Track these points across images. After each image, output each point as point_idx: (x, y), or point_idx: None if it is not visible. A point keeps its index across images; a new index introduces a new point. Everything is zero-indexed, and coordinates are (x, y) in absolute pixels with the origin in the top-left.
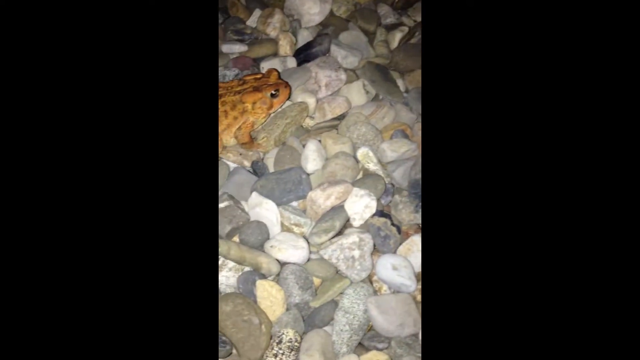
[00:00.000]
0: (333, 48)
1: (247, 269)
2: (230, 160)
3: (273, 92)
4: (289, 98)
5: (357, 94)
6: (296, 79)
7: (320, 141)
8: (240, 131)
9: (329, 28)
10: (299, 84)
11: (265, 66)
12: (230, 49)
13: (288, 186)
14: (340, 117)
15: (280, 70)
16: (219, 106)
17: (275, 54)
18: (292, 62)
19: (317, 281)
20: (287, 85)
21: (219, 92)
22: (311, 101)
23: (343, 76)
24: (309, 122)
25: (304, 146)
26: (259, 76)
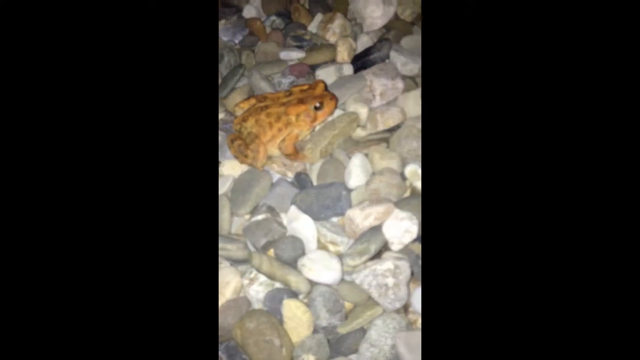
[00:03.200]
0: (393, 54)
1: (277, 285)
2: (274, 170)
3: (317, 104)
4: (334, 110)
5: (413, 104)
6: (349, 88)
7: (367, 155)
8: (284, 143)
9: (390, 32)
10: (352, 92)
11: (319, 74)
12: (288, 55)
13: (327, 202)
14: (394, 129)
15: (335, 77)
16: (264, 117)
17: (333, 61)
18: (348, 69)
19: (350, 305)
20: (332, 97)
21: (267, 103)
22: (363, 111)
23: (400, 84)
24: (360, 133)
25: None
26: (305, 87)
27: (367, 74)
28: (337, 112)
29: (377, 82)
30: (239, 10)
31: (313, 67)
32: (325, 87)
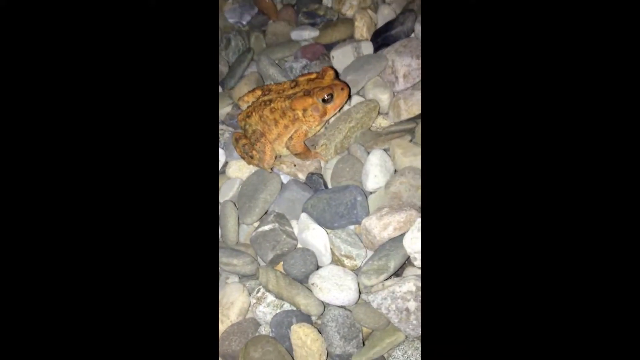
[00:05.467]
0: (418, 27)
1: (287, 305)
2: (283, 171)
3: (326, 96)
4: (347, 101)
5: None
6: (368, 70)
7: (388, 150)
8: (292, 141)
9: (415, 1)
10: (371, 75)
11: (335, 55)
12: (300, 35)
13: (340, 209)
14: (419, 118)
15: (353, 58)
16: (269, 113)
17: (351, 38)
18: (367, 48)
19: (368, 330)
20: (344, 87)
21: (270, 97)
22: (384, 97)
23: None
24: (381, 123)
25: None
26: (312, 76)
27: (389, 52)
28: (355, 99)
29: (400, 62)
30: None
31: (328, 47)
32: (336, 75)
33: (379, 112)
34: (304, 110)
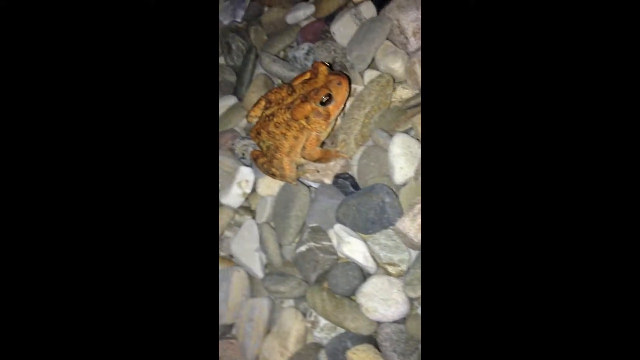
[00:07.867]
0: None
1: (340, 328)
2: (310, 180)
3: (323, 98)
4: (349, 94)
5: None
6: (373, 39)
7: (411, 131)
8: (306, 150)
9: None
10: (379, 43)
11: (335, 30)
12: (295, 17)
13: (370, 215)
14: None
15: (356, 27)
16: (274, 129)
17: (350, 1)
18: (369, 9)
19: None
20: (341, 80)
21: (272, 110)
22: (397, 66)
23: None
24: (402, 95)
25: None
26: (307, 76)
27: (391, 10)
28: (368, 75)
29: (406, 19)
30: None
31: (329, 19)
32: (330, 67)
33: (394, 84)
34: (307, 118)
